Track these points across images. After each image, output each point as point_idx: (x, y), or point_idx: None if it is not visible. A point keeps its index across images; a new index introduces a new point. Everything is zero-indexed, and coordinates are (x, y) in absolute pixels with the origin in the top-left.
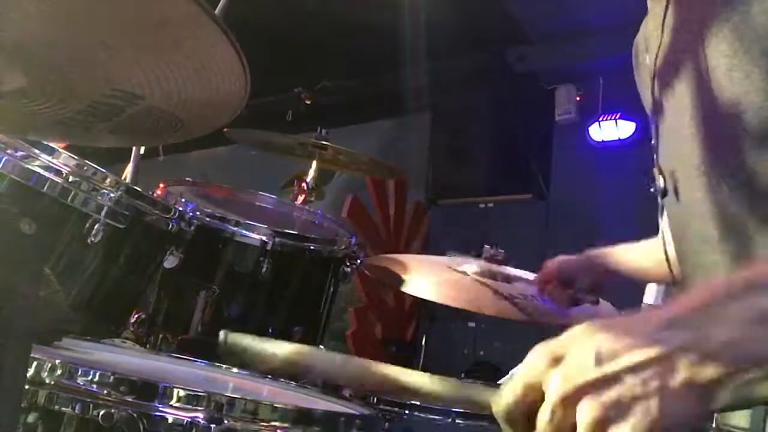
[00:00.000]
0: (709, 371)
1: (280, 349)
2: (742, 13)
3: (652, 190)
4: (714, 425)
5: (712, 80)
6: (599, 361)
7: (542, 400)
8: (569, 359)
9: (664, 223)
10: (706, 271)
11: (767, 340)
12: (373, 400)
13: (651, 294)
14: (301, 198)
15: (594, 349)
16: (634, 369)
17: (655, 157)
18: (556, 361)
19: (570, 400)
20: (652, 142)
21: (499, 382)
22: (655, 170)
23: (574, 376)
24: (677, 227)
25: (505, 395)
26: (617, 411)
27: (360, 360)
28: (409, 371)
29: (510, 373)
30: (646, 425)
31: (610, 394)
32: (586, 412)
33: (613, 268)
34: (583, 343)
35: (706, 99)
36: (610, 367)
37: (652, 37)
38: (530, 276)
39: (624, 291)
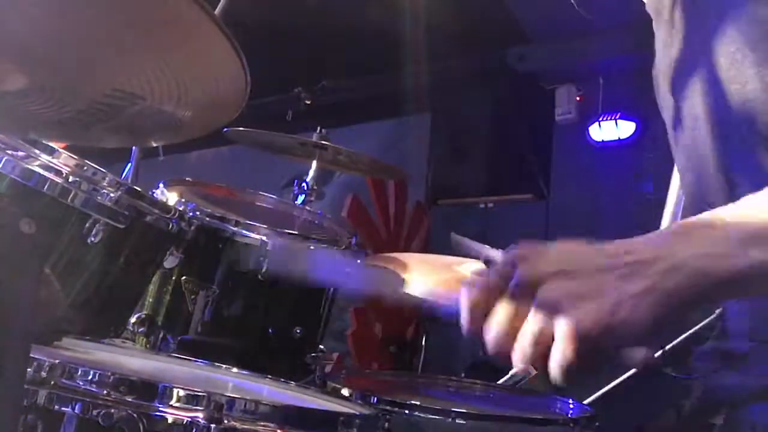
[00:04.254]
0: (668, 281)
1: None
2: (743, 17)
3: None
4: (722, 421)
5: (722, 87)
6: (569, 260)
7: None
8: (543, 255)
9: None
10: None
11: (725, 263)
12: (373, 400)
13: None
14: (301, 198)
15: (567, 251)
16: (598, 271)
17: (677, 170)
18: (531, 254)
19: (532, 282)
20: (674, 157)
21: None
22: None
23: (543, 264)
24: None
25: (473, 282)
26: (570, 300)
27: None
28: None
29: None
30: (595, 318)
31: (569, 285)
32: (542, 293)
33: None
34: (559, 248)
35: (719, 106)
36: (575, 265)
37: (663, 60)
38: None
39: None
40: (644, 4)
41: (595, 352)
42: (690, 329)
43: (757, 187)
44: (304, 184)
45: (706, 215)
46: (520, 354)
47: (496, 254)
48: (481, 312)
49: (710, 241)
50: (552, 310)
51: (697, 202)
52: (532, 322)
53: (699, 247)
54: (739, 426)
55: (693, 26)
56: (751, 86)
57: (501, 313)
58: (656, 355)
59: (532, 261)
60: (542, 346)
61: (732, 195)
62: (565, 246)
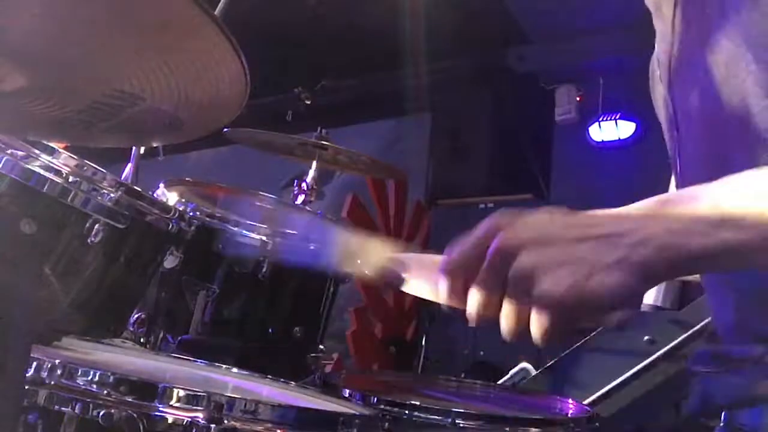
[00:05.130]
0: (639, 253)
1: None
2: (736, 21)
3: None
4: (722, 424)
5: (716, 87)
6: (545, 228)
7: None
8: (520, 223)
9: None
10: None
11: (695, 240)
12: (373, 400)
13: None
14: (301, 198)
15: (543, 220)
16: (573, 240)
17: (674, 173)
18: (509, 221)
19: (508, 250)
20: (670, 155)
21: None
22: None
23: (520, 232)
24: None
25: (452, 251)
26: (545, 269)
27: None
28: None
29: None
30: (568, 286)
31: (544, 253)
32: (519, 262)
33: None
34: (538, 215)
35: (715, 102)
36: (552, 234)
37: (662, 56)
38: None
39: None
40: (644, 2)
41: (570, 317)
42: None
43: None
44: (304, 184)
45: (685, 192)
46: (502, 323)
47: None
48: (462, 283)
49: (683, 218)
50: (528, 277)
51: None
52: (511, 290)
53: (672, 222)
54: (738, 428)
55: (693, 21)
56: (750, 81)
57: (480, 280)
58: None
59: (509, 230)
60: (523, 314)
61: None
62: (542, 215)
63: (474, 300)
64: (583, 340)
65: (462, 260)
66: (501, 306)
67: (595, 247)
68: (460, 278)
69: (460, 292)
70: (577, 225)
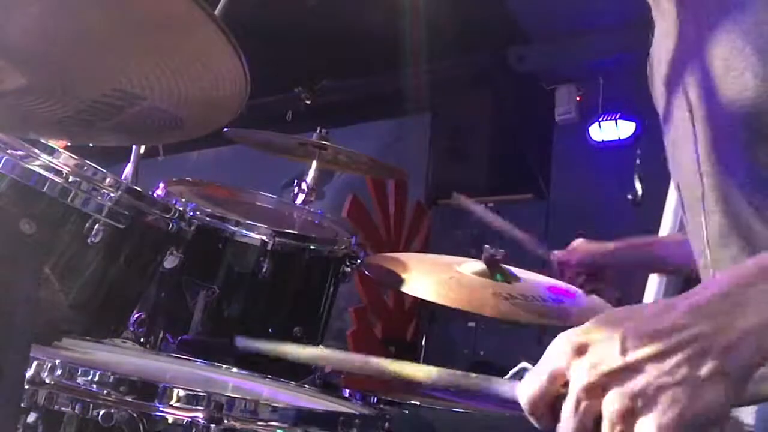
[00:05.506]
0: (737, 359)
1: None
2: (738, 16)
3: (629, 197)
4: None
5: (716, 82)
6: (624, 349)
7: (566, 390)
8: (594, 348)
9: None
10: (721, 268)
11: None
12: (373, 400)
13: (653, 287)
14: (301, 198)
15: (619, 337)
16: (660, 357)
17: (669, 166)
18: (581, 349)
19: (595, 390)
20: (666, 152)
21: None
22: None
23: (599, 364)
24: (693, 227)
25: (529, 385)
26: (644, 401)
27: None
28: (423, 367)
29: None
30: (674, 415)
31: (637, 383)
32: (612, 401)
33: (646, 264)
34: (608, 331)
35: (712, 101)
36: (635, 355)
37: (661, 50)
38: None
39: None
40: (645, 1)
41: None
42: None
43: (749, 183)
44: (304, 184)
45: (749, 266)
46: None
47: (497, 219)
48: (547, 409)
49: (765, 302)
50: (628, 416)
51: (687, 197)
52: (611, 428)
53: (760, 310)
54: (738, 428)
55: (692, 15)
56: (749, 76)
57: (570, 419)
58: None
59: (583, 361)
60: None
61: (723, 190)
62: (613, 324)
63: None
64: None
65: (541, 398)
66: None
67: (687, 361)
68: (546, 408)
69: (547, 418)
70: (657, 333)
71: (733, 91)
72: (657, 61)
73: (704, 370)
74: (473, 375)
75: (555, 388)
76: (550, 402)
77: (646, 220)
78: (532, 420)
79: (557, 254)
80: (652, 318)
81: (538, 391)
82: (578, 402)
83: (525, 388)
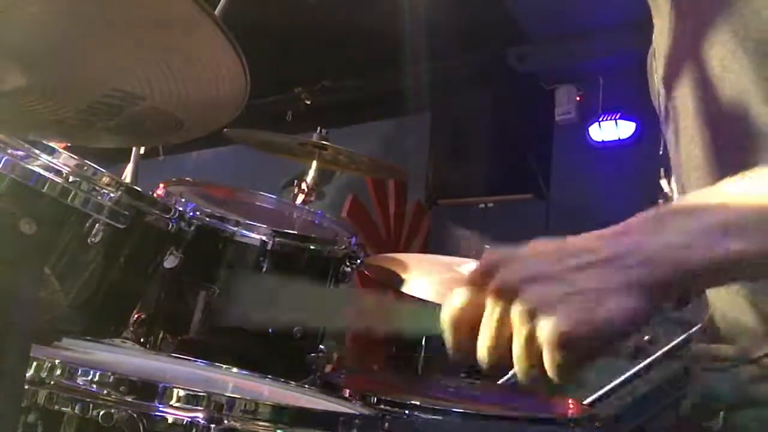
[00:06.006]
0: (645, 273)
1: None
2: (732, 16)
3: (660, 201)
4: (722, 423)
5: (712, 83)
6: (540, 262)
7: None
8: (513, 262)
9: None
10: None
11: (699, 254)
12: (373, 400)
13: None
14: (301, 198)
15: (537, 253)
16: (572, 270)
17: (669, 165)
18: (501, 262)
19: (507, 293)
20: (661, 152)
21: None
22: (671, 180)
23: (516, 272)
24: None
25: (452, 299)
26: (550, 306)
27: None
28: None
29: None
30: (576, 319)
31: (546, 289)
32: (520, 302)
33: None
34: (528, 250)
35: (709, 102)
36: (549, 267)
37: (659, 49)
38: None
39: None
40: (645, 1)
41: (583, 350)
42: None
43: None
44: (304, 184)
45: (684, 201)
46: (516, 366)
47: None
48: (468, 330)
49: (685, 230)
50: (533, 316)
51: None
52: (518, 331)
53: (673, 236)
54: (738, 428)
55: (689, 15)
56: (747, 77)
57: (486, 326)
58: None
59: (504, 269)
60: (535, 351)
61: None
62: (537, 247)
63: (482, 346)
64: None
65: (462, 307)
66: (511, 348)
67: (596, 274)
68: (465, 325)
69: (467, 338)
70: (574, 253)
71: (731, 94)
72: (655, 59)
73: (610, 283)
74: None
75: (476, 305)
76: (470, 318)
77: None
78: (451, 340)
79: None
80: (571, 242)
81: (459, 305)
82: (492, 308)
83: (448, 304)
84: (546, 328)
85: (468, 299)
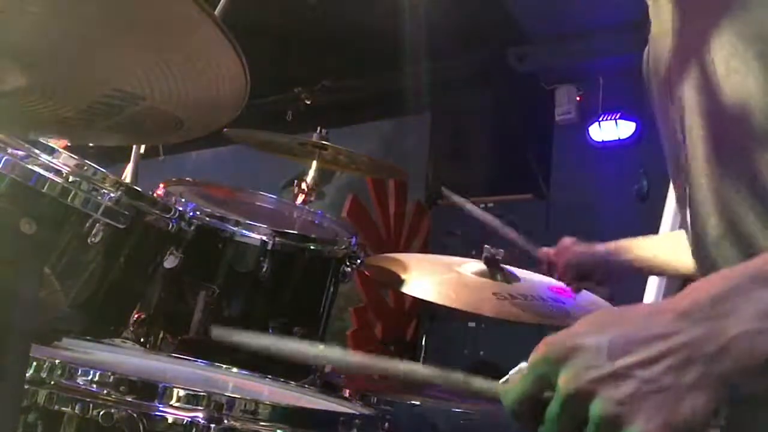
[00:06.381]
0: (724, 365)
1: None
2: (740, 16)
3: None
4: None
5: (716, 84)
6: (612, 354)
7: (549, 395)
8: (581, 353)
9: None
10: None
11: None
12: (373, 400)
13: (653, 288)
14: (301, 198)
15: (606, 342)
16: (647, 364)
17: (670, 166)
18: (567, 354)
19: (581, 395)
20: (666, 158)
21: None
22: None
23: (586, 369)
24: (690, 228)
25: (515, 387)
26: (630, 408)
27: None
28: (408, 363)
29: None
30: (659, 422)
31: (624, 390)
32: (598, 407)
33: (634, 266)
34: (596, 336)
35: (712, 103)
36: (622, 362)
37: (658, 50)
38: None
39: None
40: (645, 1)
41: None
42: None
43: (748, 186)
44: (304, 184)
45: (750, 267)
46: None
47: (485, 216)
48: (529, 415)
49: (754, 310)
50: (615, 423)
51: (683, 200)
52: None
53: (747, 318)
54: (741, 428)
55: (692, 14)
56: (753, 79)
57: (551, 421)
58: None
59: (569, 366)
60: None
61: (722, 193)
62: (601, 328)
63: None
64: None
65: (526, 400)
66: None
67: (674, 368)
68: (528, 416)
69: (531, 421)
70: (646, 340)
71: (736, 95)
72: (654, 60)
73: (689, 377)
74: (457, 374)
75: (539, 392)
76: (533, 405)
77: (646, 220)
78: (510, 416)
79: (545, 251)
80: (639, 323)
81: (522, 394)
82: (563, 407)
83: (509, 390)
84: None
85: (530, 386)
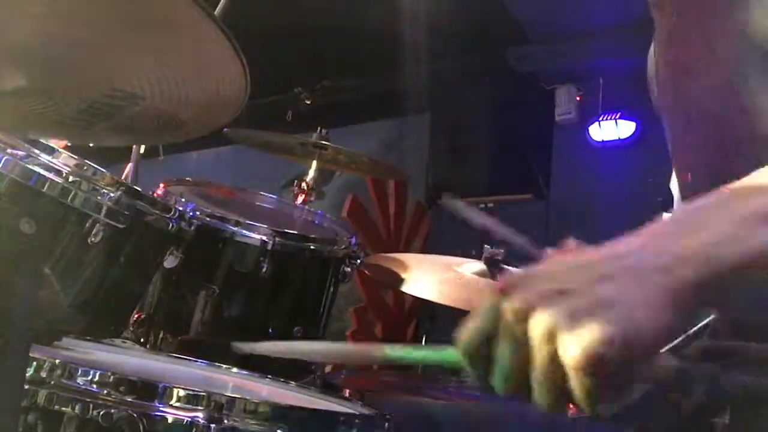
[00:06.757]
0: (676, 277)
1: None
2: (742, 17)
3: (660, 199)
4: (724, 423)
5: (720, 84)
6: (558, 278)
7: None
8: (530, 278)
9: None
10: None
11: (734, 247)
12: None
13: None
14: (301, 198)
15: (555, 268)
16: (594, 281)
17: (674, 166)
18: (518, 281)
19: (525, 312)
20: (671, 153)
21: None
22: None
23: (530, 291)
24: None
25: (465, 330)
26: (574, 318)
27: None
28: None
29: None
30: (606, 332)
31: (567, 303)
32: (538, 321)
33: None
34: (546, 265)
35: (718, 104)
36: (567, 281)
37: (661, 51)
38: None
39: None
40: (645, 1)
41: (615, 372)
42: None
43: None
44: (304, 184)
45: (706, 197)
46: (536, 396)
47: (489, 221)
48: (485, 359)
49: (715, 224)
50: (551, 336)
51: (687, 200)
52: (538, 355)
53: (706, 232)
54: (743, 427)
55: (695, 16)
56: (756, 80)
57: (501, 354)
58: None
59: (519, 288)
60: (559, 377)
61: None
62: (553, 261)
63: (499, 374)
64: None
65: (476, 335)
66: (530, 376)
67: (624, 282)
68: (482, 353)
69: (486, 367)
70: (598, 262)
71: (739, 96)
72: (657, 62)
73: (642, 290)
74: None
75: (489, 326)
76: (483, 341)
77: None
78: (471, 372)
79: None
80: (599, 250)
81: (474, 333)
82: (509, 332)
83: (462, 335)
84: (570, 348)
85: (483, 326)
